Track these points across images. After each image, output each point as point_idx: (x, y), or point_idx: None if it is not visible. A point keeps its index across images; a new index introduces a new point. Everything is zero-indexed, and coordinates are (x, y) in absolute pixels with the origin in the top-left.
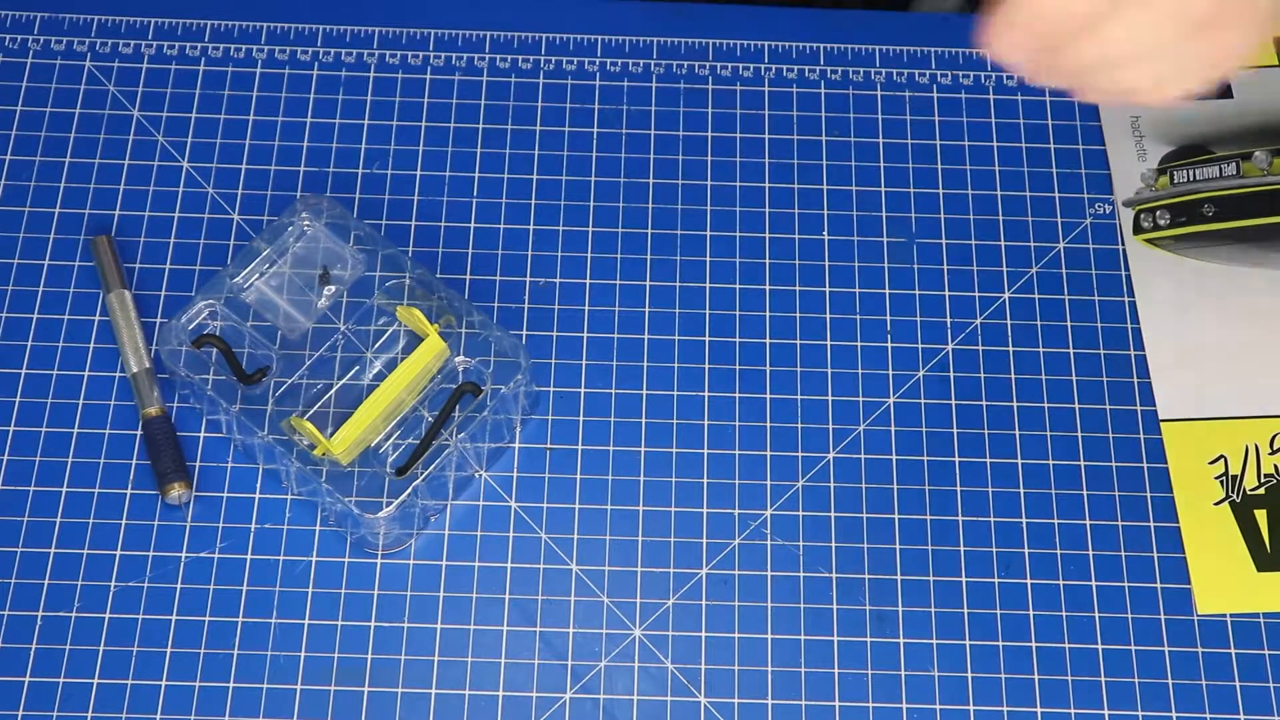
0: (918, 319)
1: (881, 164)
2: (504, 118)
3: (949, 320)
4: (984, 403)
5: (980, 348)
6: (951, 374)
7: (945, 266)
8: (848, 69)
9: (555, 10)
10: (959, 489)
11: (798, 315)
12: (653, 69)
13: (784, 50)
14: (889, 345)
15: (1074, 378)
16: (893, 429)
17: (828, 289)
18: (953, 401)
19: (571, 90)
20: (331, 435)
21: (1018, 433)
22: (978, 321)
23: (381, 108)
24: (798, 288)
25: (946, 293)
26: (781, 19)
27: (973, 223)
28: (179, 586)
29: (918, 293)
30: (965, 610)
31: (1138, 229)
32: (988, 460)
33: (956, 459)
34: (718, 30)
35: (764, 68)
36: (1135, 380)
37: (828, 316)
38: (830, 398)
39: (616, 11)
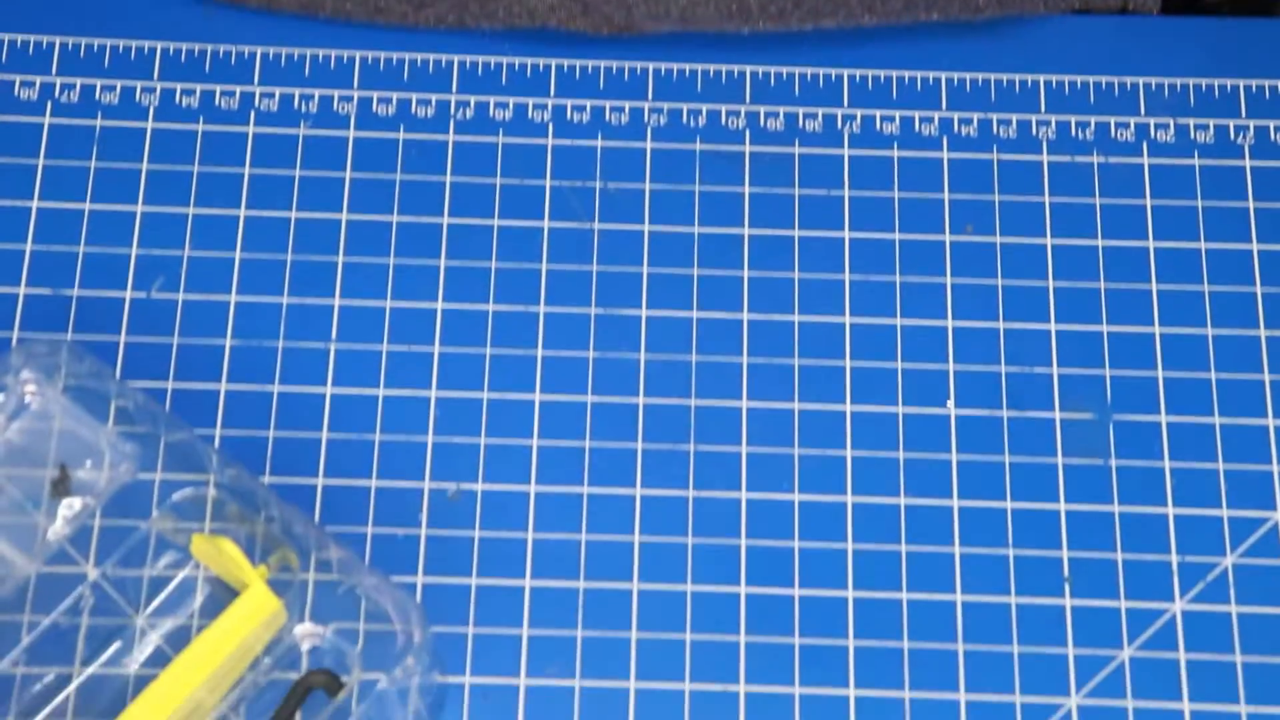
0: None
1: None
2: (384, 198)
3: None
4: None
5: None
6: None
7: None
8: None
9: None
10: None
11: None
12: (645, 119)
13: (873, 83)
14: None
15: None
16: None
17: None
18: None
19: (504, 154)
20: None
21: None
22: (1230, 562)
23: (166, 182)
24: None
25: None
26: (869, 40)
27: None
28: None
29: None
30: None
31: None
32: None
33: None
34: (756, 53)
35: (840, 114)
36: None
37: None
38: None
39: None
